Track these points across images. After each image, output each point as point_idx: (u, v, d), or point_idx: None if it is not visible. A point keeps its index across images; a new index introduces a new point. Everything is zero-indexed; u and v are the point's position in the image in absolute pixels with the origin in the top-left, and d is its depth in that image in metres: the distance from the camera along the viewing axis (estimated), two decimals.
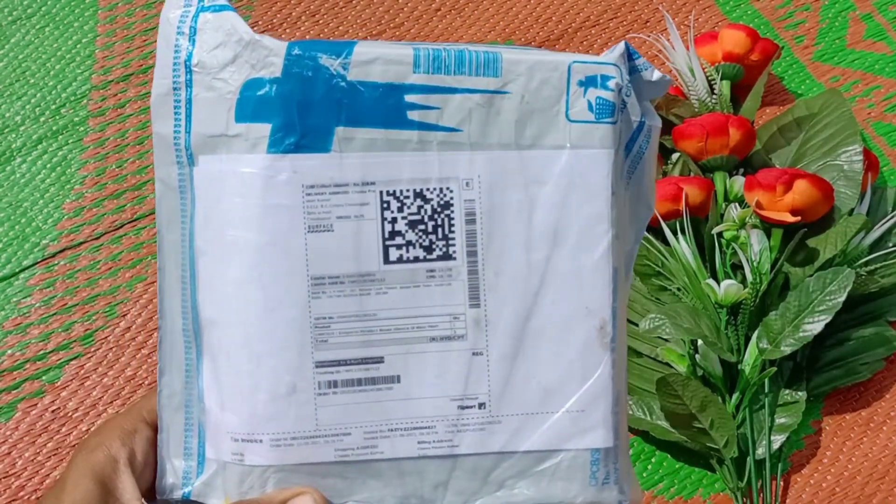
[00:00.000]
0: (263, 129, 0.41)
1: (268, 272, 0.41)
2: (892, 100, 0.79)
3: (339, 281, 0.41)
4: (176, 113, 0.42)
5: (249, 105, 0.41)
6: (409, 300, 0.42)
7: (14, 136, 0.76)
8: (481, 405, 0.42)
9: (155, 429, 0.44)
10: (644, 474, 0.67)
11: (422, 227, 0.42)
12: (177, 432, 0.44)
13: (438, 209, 0.42)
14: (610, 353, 0.43)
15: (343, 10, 0.81)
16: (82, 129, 0.76)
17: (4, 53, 0.79)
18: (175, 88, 0.42)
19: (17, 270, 0.72)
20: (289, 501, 0.42)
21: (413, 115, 0.41)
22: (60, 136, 0.76)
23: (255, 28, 0.81)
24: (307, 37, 0.80)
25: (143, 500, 0.43)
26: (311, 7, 0.81)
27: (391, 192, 0.41)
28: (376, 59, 0.41)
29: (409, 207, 0.42)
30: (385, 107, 0.41)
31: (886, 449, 0.68)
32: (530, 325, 0.42)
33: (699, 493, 0.67)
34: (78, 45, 0.79)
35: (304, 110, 0.41)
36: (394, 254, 0.42)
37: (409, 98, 0.41)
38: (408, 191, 0.41)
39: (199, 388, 0.43)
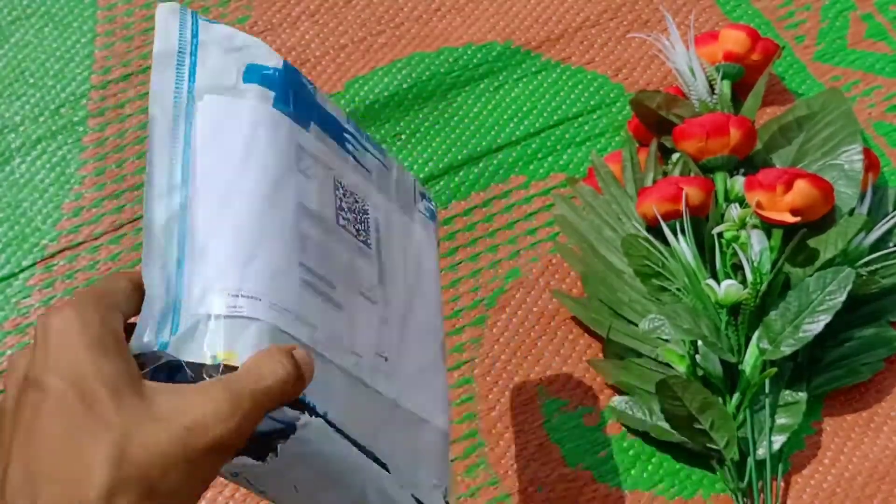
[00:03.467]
0: (268, 93, 0.49)
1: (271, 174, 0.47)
2: (892, 100, 0.79)
3: (312, 214, 0.48)
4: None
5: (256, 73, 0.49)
6: (351, 256, 0.50)
7: (13, 136, 0.76)
8: (386, 359, 0.51)
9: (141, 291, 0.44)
10: (644, 475, 0.67)
11: (354, 215, 0.51)
12: (160, 289, 0.44)
13: (363, 211, 0.52)
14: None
15: (343, 10, 0.81)
16: (81, 129, 0.76)
17: (4, 53, 0.78)
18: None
19: (16, 271, 0.72)
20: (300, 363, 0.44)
21: (348, 147, 0.53)
22: (60, 136, 0.76)
23: (255, 28, 0.81)
24: (307, 37, 0.80)
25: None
26: (311, 7, 0.81)
27: (339, 181, 0.51)
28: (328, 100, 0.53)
29: (346, 198, 0.51)
30: (336, 128, 0.52)
31: (887, 449, 0.68)
32: (407, 322, 0.53)
33: (700, 493, 0.67)
34: (77, 45, 0.79)
35: (296, 96, 0.50)
36: (341, 220, 0.50)
37: (346, 135, 0.53)
38: (346, 188, 0.51)
39: (188, 233, 0.45)
